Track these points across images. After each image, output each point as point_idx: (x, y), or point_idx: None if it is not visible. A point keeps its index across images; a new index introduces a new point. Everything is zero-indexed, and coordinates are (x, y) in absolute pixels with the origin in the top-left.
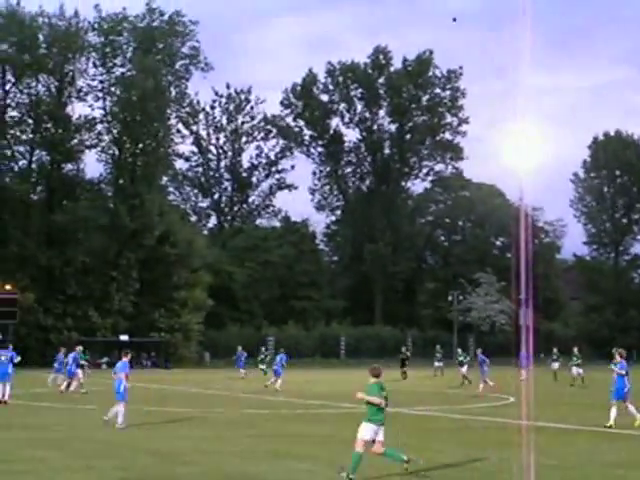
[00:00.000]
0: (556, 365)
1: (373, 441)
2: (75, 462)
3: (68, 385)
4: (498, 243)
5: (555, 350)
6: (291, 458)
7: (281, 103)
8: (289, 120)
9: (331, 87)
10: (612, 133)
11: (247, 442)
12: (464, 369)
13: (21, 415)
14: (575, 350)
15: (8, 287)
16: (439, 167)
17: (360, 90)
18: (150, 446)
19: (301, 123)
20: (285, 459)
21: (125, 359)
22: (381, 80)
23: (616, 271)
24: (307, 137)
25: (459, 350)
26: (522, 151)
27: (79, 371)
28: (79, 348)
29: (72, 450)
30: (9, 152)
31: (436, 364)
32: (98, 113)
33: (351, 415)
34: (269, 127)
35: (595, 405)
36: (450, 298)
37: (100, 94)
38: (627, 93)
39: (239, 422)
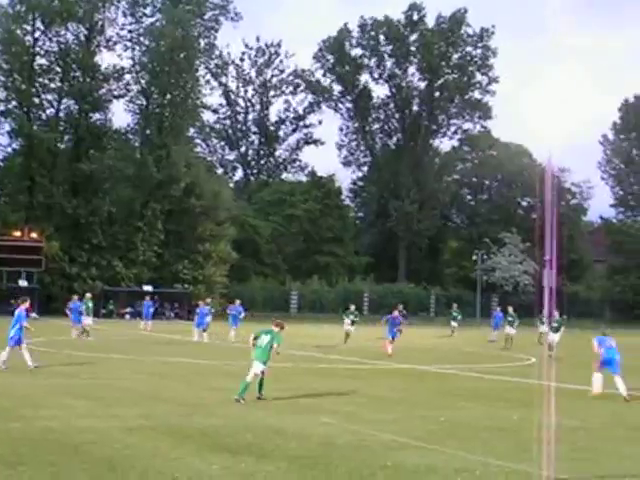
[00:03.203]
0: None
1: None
2: (99, 409)
3: (83, 332)
4: (524, 203)
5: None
6: (314, 412)
7: (314, 57)
8: (319, 75)
9: (363, 42)
10: None
11: (270, 395)
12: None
13: (48, 363)
14: (510, 310)
15: (34, 235)
16: (467, 126)
17: (391, 46)
18: (173, 396)
19: (331, 78)
20: (308, 412)
21: (23, 307)
22: (413, 37)
23: None
24: (336, 92)
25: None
26: (551, 111)
27: (87, 319)
28: (87, 295)
29: (96, 398)
30: (37, 100)
31: (452, 323)
32: (127, 63)
33: (373, 371)
34: (298, 81)
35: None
36: (474, 257)
37: (129, 44)
38: None
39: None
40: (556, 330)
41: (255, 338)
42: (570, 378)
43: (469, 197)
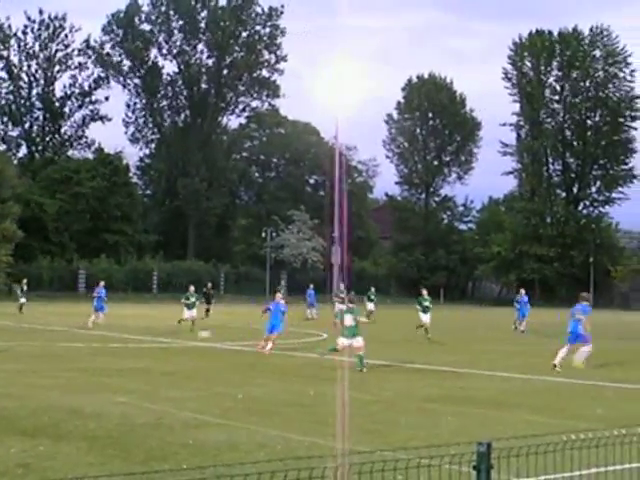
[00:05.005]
0: (371, 305)
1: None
2: None
3: None
4: (312, 181)
5: (373, 290)
6: (110, 391)
7: (103, 30)
8: (107, 49)
9: (152, 17)
10: (426, 76)
11: (64, 375)
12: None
13: None
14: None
15: None
16: (255, 104)
17: (181, 22)
18: None
19: (119, 52)
20: (104, 392)
21: None
22: (203, 13)
23: (426, 211)
24: (125, 67)
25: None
26: (338, 90)
27: None
28: None
29: None
30: None
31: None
32: None
33: (166, 350)
34: (85, 56)
35: (404, 341)
36: (263, 235)
37: None
38: (442, 36)
39: (55, 355)
40: (426, 310)
41: (341, 322)
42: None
43: (257, 175)
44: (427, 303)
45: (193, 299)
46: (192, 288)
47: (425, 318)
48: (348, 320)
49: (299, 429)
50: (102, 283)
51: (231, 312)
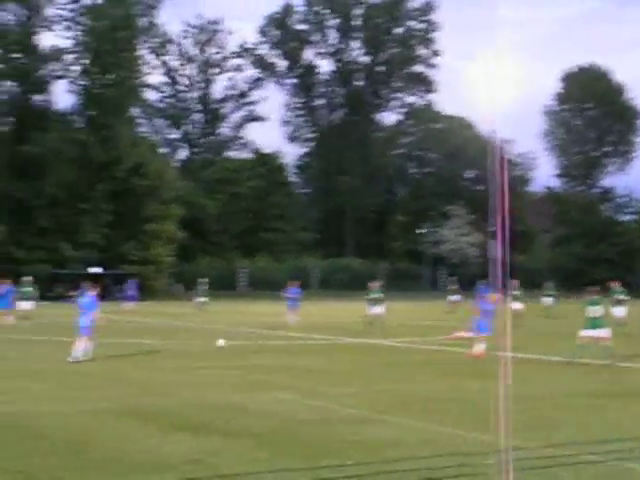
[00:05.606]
0: (549, 300)
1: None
2: (58, 393)
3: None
4: (469, 176)
5: (551, 285)
6: (273, 388)
7: (259, 32)
8: (262, 51)
9: (307, 18)
10: (585, 65)
11: (226, 373)
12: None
13: None
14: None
15: None
16: (411, 99)
17: (335, 21)
18: (130, 378)
19: (275, 53)
20: (267, 389)
21: (92, 293)
22: (357, 11)
23: (586, 204)
24: (281, 68)
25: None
26: (494, 83)
27: (25, 304)
28: (24, 279)
29: (54, 381)
30: None
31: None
32: (69, 43)
33: (327, 346)
34: (241, 58)
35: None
36: (423, 231)
37: (69, 24)
38: (598, 25)
39: (218, 353)
40: (619, 303)
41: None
42: (531, 348)
43: (414, 171)
44: (622, 296)
45: (375, 295)
46: (375, 284)
47: (617, 312)
48: (596, 311)
49: (462, 425)
50: (295, 283)
51: (392, 309)
